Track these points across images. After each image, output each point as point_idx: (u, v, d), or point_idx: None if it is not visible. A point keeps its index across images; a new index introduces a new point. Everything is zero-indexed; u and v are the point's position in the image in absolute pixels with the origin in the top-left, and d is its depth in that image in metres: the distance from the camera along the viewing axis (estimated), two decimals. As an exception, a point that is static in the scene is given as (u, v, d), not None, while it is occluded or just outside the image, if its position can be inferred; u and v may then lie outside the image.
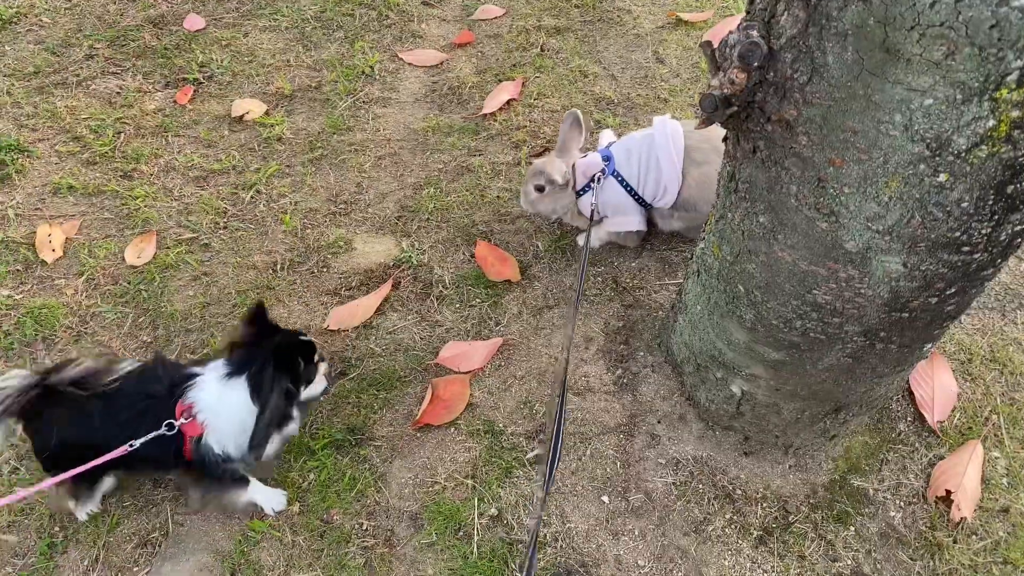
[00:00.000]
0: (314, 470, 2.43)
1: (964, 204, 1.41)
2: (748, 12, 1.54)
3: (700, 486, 2.37)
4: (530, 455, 2.45)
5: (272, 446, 2.26)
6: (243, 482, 2.28)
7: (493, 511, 2.33)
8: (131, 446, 1.99)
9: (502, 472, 2.40)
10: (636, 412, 2.54)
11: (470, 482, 2.39)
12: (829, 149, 1.48)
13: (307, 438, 2.49)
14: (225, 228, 3.20)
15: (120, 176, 3.40)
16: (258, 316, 2.18)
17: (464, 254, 3.08)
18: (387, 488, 2.40)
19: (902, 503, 2.33)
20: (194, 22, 4.20)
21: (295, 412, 2.26)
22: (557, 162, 2.77)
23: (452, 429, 2.54)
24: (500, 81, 3.85)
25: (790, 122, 1.52)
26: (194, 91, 3.81)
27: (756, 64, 1.48)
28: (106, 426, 2.04)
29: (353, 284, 2.99)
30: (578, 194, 2.83)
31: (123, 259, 3.07)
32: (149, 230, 3.17)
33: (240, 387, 2.09)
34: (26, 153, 3.45)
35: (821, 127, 1.47)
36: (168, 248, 3.11)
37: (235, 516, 2.35)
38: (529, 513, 2.32)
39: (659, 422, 2.51)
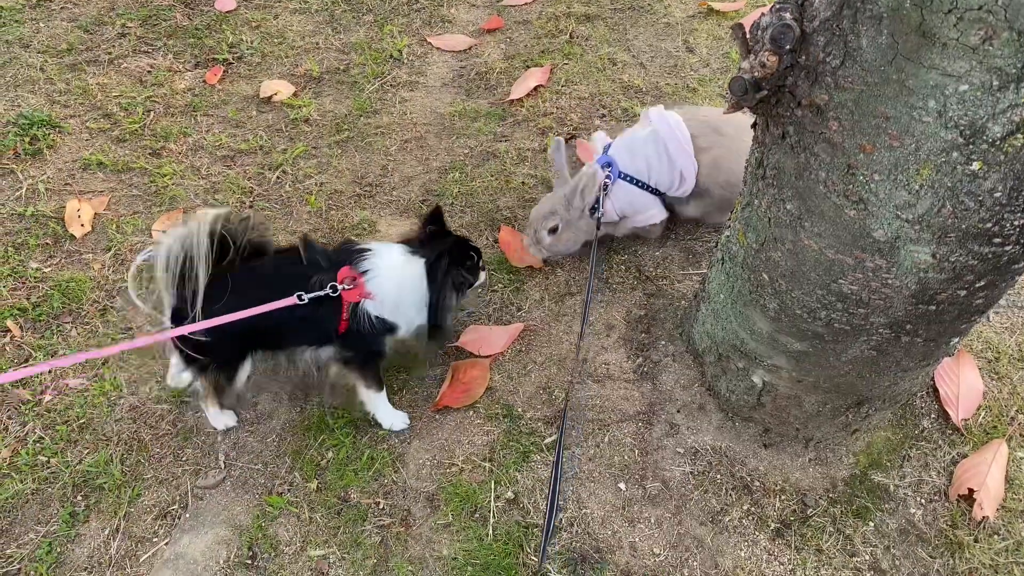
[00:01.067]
0: (332, 448, 2.45)
1: (997, 194, 1.39)
2: (781, -5, 1.52)
3: (718, 476, 2.35)
4: (548, 440, 2.44)
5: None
6: (379, 385, 2.44)
7: (509, 494, 2.33)
8: (299, 297, 2.08)
9: (519, 456, 2.40)
10: (655, 401, 2.52)
11: (487, 465, 2.40)
12: (860, 135, 1.46)
13: (326, 416, 2.51)
14: (251, 207, 3.22)
15: (149, 154, 3.43)
16: (436, 216, 2.38)
17: (488, 239, 3.08)
18: (405, 468, 2.41)
19: (923, 500, 2.31)
20: (225, 3, 4.23)
21: (455, 301, 2.45)
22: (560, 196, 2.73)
23: (471, 412, 2.54)
24: (528, 67, 3.84)
25: (821, 107, 1.50)
26: (224, 71, 3.83)
27: (788, 47, 1.46)
28: (271, 294, 2.08)
29: (376, 266, 3.00)
30: (592, 210, 2.74)
31: (150, 236, 3.09)
32: (176, 207, 3.20)
33: (418, 267, 2.30)
34: (57, 129, 3.49)
35: (852, 112, 1.45)
36: (194, 226, 3.13)
37: (255, 490, 2.37)
38: (545, 496, 2.32)
39: (678, 411, 2.49)
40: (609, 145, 2.84)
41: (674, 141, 2.61)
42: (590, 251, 2.73)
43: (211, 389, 2.40)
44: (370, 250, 2.27)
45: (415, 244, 2.37)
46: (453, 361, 2.66)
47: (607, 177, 2.70)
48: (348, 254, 2.26)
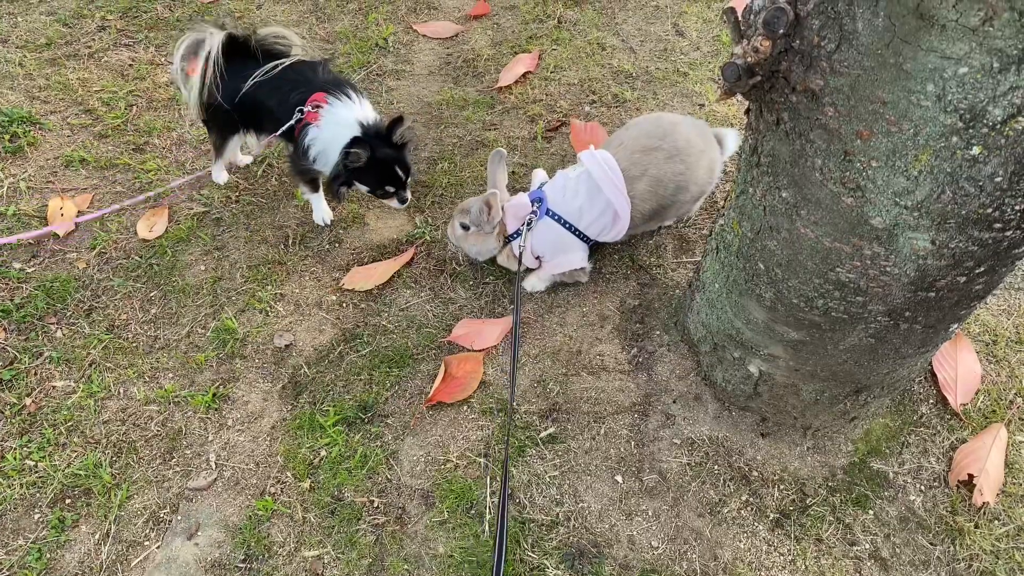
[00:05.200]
0: (325, 447, 2.41)
1: (998, 179, 1.35)
2: (774, -23, 1.47)
3: (716, 467, 2.33)
4: (543, 434, 2.41)
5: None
6: (314, 185, 2.98)
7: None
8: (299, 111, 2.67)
9: (515, 451, 2.37)
10: (651, 391, 2.49)
11: (482, 461, 2.36)
12: (856, 121, 1.42)
13: (317, 414, 2.47)
14: (237, 202, 3.17)
15: (132, 149, 3.37)
16: (397, 124, 2.66)
17: (478, 230, 3.03)
18: (399, 466, 2.37)
19: (923, 487, 2.28)
20: (207, -7, 4.15)
21: (350, 191, 2.83)
22: (479, 201, 2.69)
23: (465, 407, 2.50)
24: (516, 53, 3.79)
25: (816, 92, 1.46)
26: (206, 63, 3.76)
27: (782, 31, 1.41)
28: (268, 87, 2.68)
29: (365, 259, 2.96)
30: (509, 238, 2.73)
31: (135, 233, 3.04)
32: (161, 204, 3.14)
33: (351, 130, 2.61)
34: (38, 125, 3.43)
35: (849, 97, 1.41)
36: (180, 222, 3.08)
37: (247, 491, 2.33)
38: (541, 491, 2.29)
39: (674, 402, 2.46)
40: (544, 183, 2.78)
41: (606, 181, 2.55)
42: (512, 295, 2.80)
43: (212, 146, 3.07)
44: (347, 96, 2.67)
45: (373, 122, 2.67)
46: (446, 355, 2.63)
47: (533, 212, 2.65)
48: (339, 85, 2.70)
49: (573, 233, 2.66)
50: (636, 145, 2.62)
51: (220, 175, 3.21)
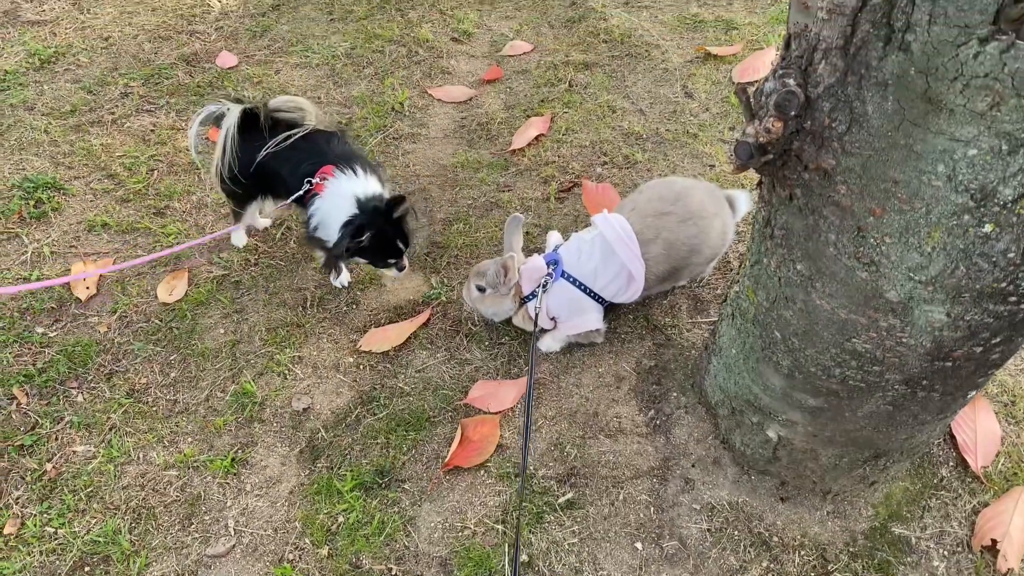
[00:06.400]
0: (343, 512, 2.41)
1: (1011, 255, 1.37)
2: (783, 59, 1.52)
3: (736, 533, 2.31)
4: (562, 499, 2.40)
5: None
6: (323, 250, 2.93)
7: (524, 558, 2.28)
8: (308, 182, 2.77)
9: (533, 517, 2.36)
10: (669, 455, 2.49)
11: (500, 528, 2.36)
12: (869, 199, 1.45)
13: (335, 479, 2.48)
14: (256, 265, 3.22)
15: (153, 213, 3.44)
16: (398, 202, 2.70)
17: (494, 291, 3.06)
18: (416, 532, 2.37)
19: (946, 552, 2.26)
20: (226, 59, 4.27)
21: (350, 264, 3.00)
22: (495, 264, 2.72)
23: (482, 472, 2.50)
24: (528, 117, 3.86)
25: (828, 171, 1.49)
26: (226, 128, 3.85)
27: (793, 113, 1.45)
28: (281, 156, 2.75)
29: (382, 321, 2.99)
30: (525, 300, 2.77)
31: (155, 296, 3.09)
32: (181, 267, 3.19)
33: (349, 206, 2.68)
34: (62, 191, 3.51)
35: (861, 176, 1.44)
36: (200, 285, 3.13)
37: (265, 558, 2.33)
38: (561, 561, 2.28)
39: (693, 466, 2.46)
40: (559, 246, 2.82)
41: (620, 243, 2.60)
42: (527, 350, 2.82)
43: (232, 212, 3.17)
44: (353, 170, 2.74)
45: (374, 196, 2.72)
46: (462, 418, 2.63)
47: (548, 274, 2.69)
48: (348, 158, 2.78)
49: (588, 295, 2.69)
50: (649, 209, 2.66)
51: (239, 238, 3.26)
